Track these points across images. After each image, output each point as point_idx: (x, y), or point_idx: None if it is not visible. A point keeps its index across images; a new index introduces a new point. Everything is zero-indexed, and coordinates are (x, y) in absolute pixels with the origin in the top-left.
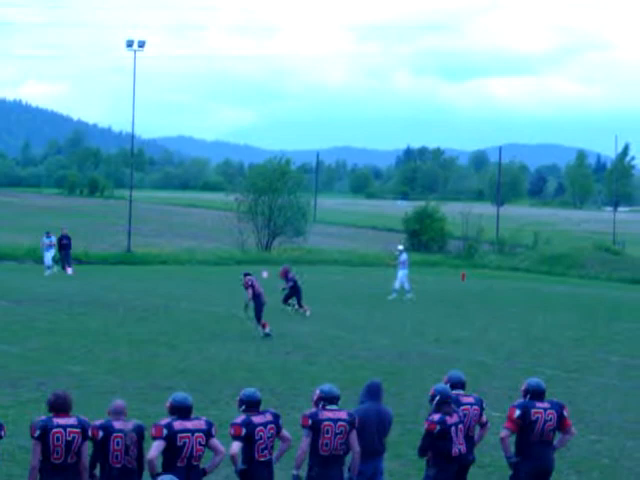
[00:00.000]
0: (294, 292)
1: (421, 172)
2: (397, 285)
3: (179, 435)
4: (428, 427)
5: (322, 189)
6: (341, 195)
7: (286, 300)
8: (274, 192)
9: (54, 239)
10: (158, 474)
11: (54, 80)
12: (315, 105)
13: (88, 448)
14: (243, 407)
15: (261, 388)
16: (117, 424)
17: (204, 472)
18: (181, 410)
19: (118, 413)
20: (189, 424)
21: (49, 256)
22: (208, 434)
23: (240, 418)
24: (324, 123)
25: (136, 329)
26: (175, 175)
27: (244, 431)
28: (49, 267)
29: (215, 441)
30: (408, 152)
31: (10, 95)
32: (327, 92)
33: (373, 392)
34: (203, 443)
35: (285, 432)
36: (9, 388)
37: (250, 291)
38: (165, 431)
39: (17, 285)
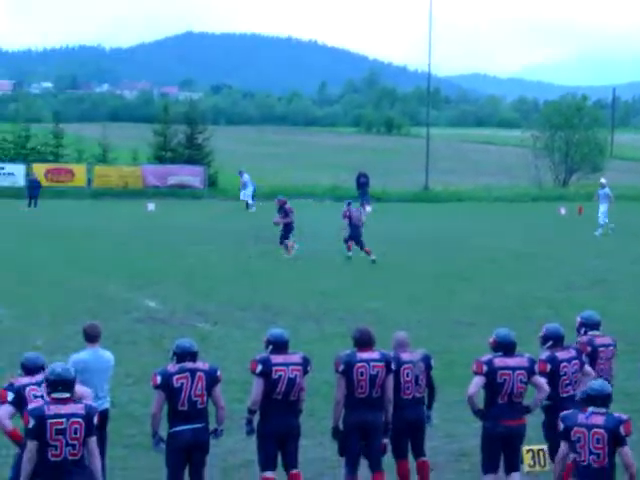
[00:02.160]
0: (288, 228)
1: None
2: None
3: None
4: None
5: (619, 125)
6: (638, 131)
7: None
8: (570, 128)
9: (245, 177)
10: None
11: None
12: (609, 40)
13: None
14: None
15: (563, 324)
16: (404, 355)
17: None
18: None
19: (403, 345)
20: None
21: (246, 194)
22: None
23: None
24: (619, 59)
25: (433, 265)
26: (470, 112)
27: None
28: (250, 205)
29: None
30: None
31: (305, 35)
32: (621, 28)
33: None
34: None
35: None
36: (313, 323)
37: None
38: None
39: (316, 221)
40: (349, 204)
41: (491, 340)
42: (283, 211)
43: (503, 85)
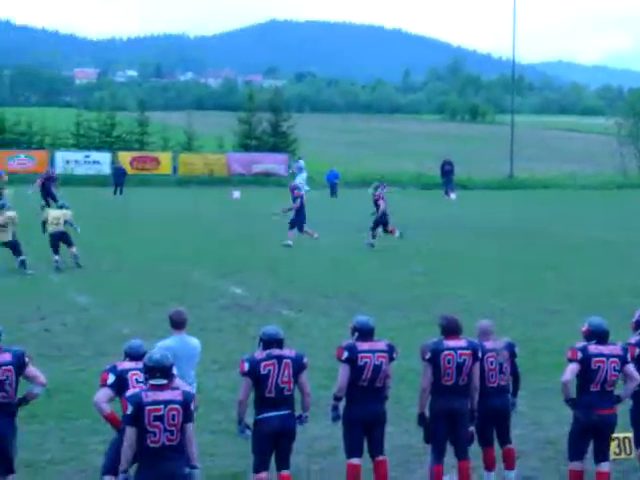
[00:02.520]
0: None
1: None
2: None
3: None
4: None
5: None
6: None
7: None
8: None
9: (300, 162)
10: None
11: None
12: None
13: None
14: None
15: None
16: (488, 344)
17: None
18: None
19: (487, 333)
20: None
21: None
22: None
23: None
24: None
25: (519, 253)
26: (554, 100)
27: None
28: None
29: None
30: None
31: (390, 23)
32: None
33: None
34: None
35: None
36: (398, 311)
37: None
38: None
39: (401, 210)
40: (383, 187)
41: (584, 329)
42: (294, 197)
43: (587, 72)
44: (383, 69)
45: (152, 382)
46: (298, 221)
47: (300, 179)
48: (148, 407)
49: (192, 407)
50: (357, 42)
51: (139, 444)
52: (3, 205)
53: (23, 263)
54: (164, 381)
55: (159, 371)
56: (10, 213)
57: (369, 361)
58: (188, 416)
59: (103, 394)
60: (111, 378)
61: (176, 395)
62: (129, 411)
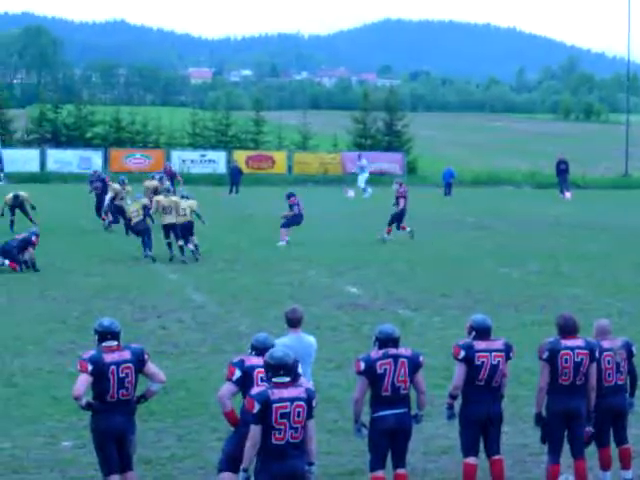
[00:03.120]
0: (295, 219)
1: None
2: None
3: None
4: None
5: None
6: None
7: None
8: None
9: (362, 161)
10: None
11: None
12: None
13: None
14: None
15: None
16: (605, 343)
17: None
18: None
19: (604, 333)
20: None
21: (361, 179)
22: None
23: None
24: None
25: (635, 253)
26: None
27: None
28: (364, 189)
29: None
30: None
31: (504, 22)
32: None
33: None
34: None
35: None
36: (512, 311)
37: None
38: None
39: (514, 208)
40: (402, 184)
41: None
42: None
43: None
44: (497, 68)
45: (276, 380)
46: (290, 222)
47: (362, 179)
48: (275, 405)
49: (314, 404)
50: (471, 41)
51: (262, 442)
52: (183, 195)
53: (196, 248)
54: (287, 379)
55: (282, 368)
56: (190, 202)
57: (486, 360)
58: (311, 413)
59: (227, 390)
60: (237, 373)
61: (300, 392)
62: (256, 409)
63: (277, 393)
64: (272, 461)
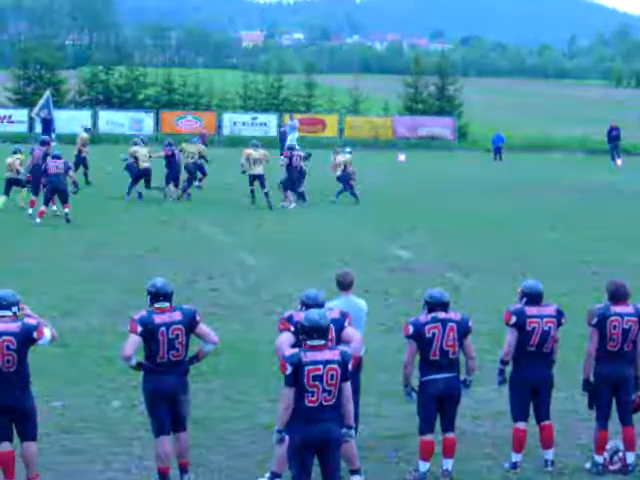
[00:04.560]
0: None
1: None
2: None
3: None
4: None
5: None
6: None
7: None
8: None
9: (294, 121)
10: None
11: None
12: None
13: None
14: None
15: None
16: None
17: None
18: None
19: None
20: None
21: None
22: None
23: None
24: None
25: None
26: None
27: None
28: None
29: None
30: None
31: None
32: None
33: None
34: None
35: None
36: (565, 276)
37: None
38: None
39: (565, 174)
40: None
41: None
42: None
43: None
44: (549, 34)
45: (309, 343)
46: (290, 181)
47: (292, 137)
48: (307, 367)
49: (349, 366)
50: (523, 7)
51: (296, 403)
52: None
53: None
54: (322, 342)
55: (316, 331)
56: (262, 150)
57: (537, 326)
58: (346, 375)
59: (287, 337)
60: (292, 329)
61: (335, 355)
62: (288, 371)
63: (310, 355)
64: (304, 423)
